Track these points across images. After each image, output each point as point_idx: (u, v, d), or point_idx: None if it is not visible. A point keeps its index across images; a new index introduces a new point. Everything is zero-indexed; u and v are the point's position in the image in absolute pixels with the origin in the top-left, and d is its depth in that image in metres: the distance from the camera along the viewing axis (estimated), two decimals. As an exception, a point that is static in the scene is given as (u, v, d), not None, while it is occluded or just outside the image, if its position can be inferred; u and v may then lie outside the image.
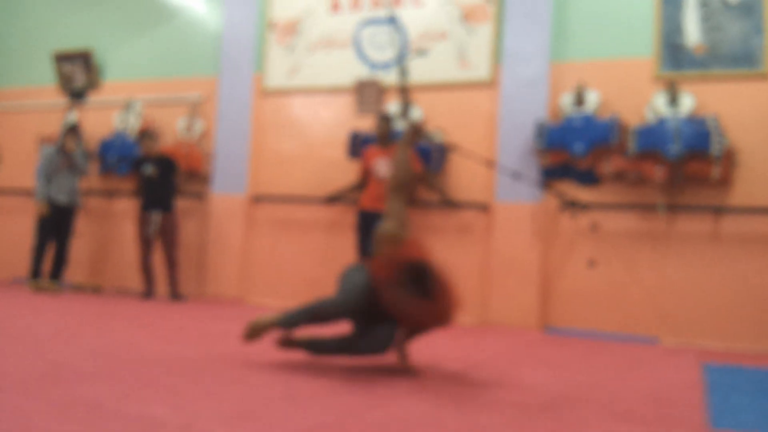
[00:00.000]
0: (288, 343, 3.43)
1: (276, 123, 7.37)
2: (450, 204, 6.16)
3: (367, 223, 6.21)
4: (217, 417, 2.20)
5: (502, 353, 4.28)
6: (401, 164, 3.65)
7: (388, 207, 3.57)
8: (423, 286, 3.04)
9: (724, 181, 5.53)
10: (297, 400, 2.56)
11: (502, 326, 5.95)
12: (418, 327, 3.36)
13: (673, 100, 5.68)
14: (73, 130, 7.40)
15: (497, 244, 6.15)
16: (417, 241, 3.54)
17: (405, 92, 3.83)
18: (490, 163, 4.06)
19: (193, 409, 2.28)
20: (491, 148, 6.13)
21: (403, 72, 3.81)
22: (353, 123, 6.89)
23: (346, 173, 6.69)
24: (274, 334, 3.47)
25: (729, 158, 5.50)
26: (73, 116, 8.28)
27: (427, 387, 2.97)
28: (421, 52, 3.80)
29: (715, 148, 5.41)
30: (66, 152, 7.29)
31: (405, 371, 3.33)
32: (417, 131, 3.73)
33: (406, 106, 6.44)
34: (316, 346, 3.43)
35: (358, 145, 6.66)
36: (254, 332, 3.42)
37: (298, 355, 3.66)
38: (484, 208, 6.21)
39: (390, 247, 3.33)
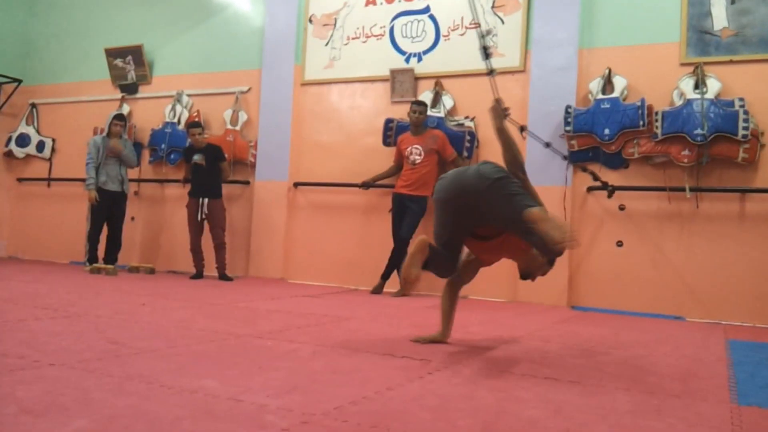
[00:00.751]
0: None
1: (315, 113, 7.39)
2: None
3: (401, 206, 6.23)
4: (266, 389, 2.22)
5: (533, 330, 4.26)
6: (510, 144, 3.29)
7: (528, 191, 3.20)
8: None
9: (751, 163, 5.40)
10: (339, 374, 2.58)
11: (531, 305, 5.91)
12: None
13: (700, 84, 5.55)
14: (117, 118, 7.51)
15: (527, 226, 6.09)
16: None
17: (490, 73, 3.57)
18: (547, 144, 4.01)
19: (242, 382, 2.31)
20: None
21: (486, 53, 3.53)
22: (389, 112, 6.88)
23: (383, 160, 6.68)
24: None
25: (755, 140, 5.37)
26: (126, 109, 8.40)
27: (462, 362, 2.96)
28: (489, 32, 3.63)
29: (741, 130, 5.29)
30: (112, 138, 7.40)
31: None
32: (505, 110, 3.43)
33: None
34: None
35: (392, 133, 6.65)
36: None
37: (337, 333, 3.68)
38: (514, 191, 6.16)
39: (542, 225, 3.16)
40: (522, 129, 3.67)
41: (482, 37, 3.48)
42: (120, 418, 1.81)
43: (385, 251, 6.35)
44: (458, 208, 3.23)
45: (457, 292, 3.53)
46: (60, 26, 9.26)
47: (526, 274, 3.36)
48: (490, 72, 3.51)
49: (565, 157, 4.22)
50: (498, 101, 3.43)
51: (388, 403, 2.15)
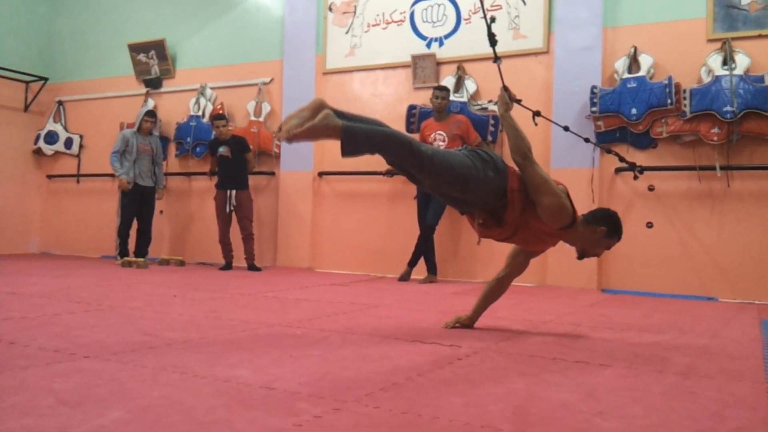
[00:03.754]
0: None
1: (338, 101, 7.34)
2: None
3: (426, 193, 6.20)
4: (297, 377, 2.24)
5: (562, 314, 4.23)
6: (514, 131, 3.21)
7: (535, 179, 3.10)
8: None
9: (782, 139, 5.30)
10: (370, 361, 2.59)
11: (560, 288, 5.88)
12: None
13: (728, 60, 5.45)
14: (149, 114, 7.58)
15: (555, 209, 6.05)
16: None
17: (496, 59, 3.58)
18: (565, 128, 3.96)
19: (274, 371, 2.33)
20: (547, 115, 5.99)
21: (493, 39, 3.53)
22: (411, 98, 6.86)
23: (406, 146, 6.66)
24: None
25: (787, 115, 5.26)
26: (151, 104, 8.48)
27: (492, 347, 2.96)
28: (494, 19, 3.62)
29: (772, 106, 5.19)
30: (144, 135, 7.50)
31: None
32: (507, 94, 3.40)
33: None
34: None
35: (415, 119, 6.63)
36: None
37: (366, 321, 3.70)
38: (540, 174, 6.12)
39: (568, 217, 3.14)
40: (536, 114, 3.62)
41: (489, 24, 3.47)
42: (155, 408, 1.83)
43: (411, 238, 6.35)
44: None
45: (502, 286, 3.53)
46: (83, 23, 9.35)
47: (582, 254, 3.33)
48: (496, 59, 3.53)
49: (586, 140, 4.17)
50: (504, 89, 3.41)
51: (419, 389, 2.16)
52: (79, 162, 9.18)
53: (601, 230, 3.21)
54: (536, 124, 3.62)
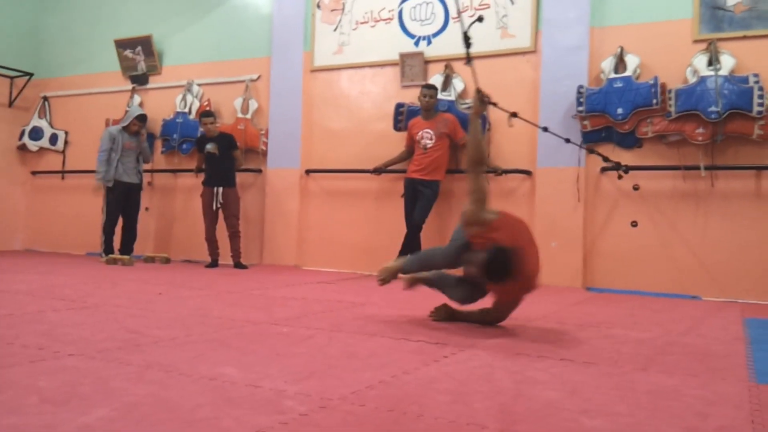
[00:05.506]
0: (412, 282, 3.84)
1: (326, 99, 7.38)
2: (492, 171, 6.07)
3: (413, 191, 6.21)
4: (284, 375, 2.23)
5: (548, 312, 4.25)
6: (474, 138, 3.34)
7: (469, 185, 3.30)
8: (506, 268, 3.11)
9: (766, 140, 5.34)
10: (356, 359, 2.59)
11: (545, 287, 5.89)
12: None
13: (714, 61, 5.49)
14: (139, 119, 7.49)
15: (541, 208, 6.08)
16: (505, 221, 3.34)
17: (469, 60, 3.60)
18: (543, 129, 3.97)
19: (260, 369, 2.33)
20: (534, 115, 6.02)
21: (467, 41, 3.57)
22: (399, 96, 6.86)
23: (394, 145, 6.66)
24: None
25: (771, 116, 5.31)
26: (137, 100, 8.42)
27: (478, 345, 2.97)
28: (480, 19, 3.66)
29: (756, 107, 5.23)
30: (130, 134, 7.43)
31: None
32: (483, 98, 3.44)
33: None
34: (431, 283, 3.80)
35: (403, 117, 6.63)
36: (385, 276, 3.71)
37: (353, 319, 3.70)
38: (527, 173, 6.14)
39: (477, 229, 3.25)
40: (512, 116, 3.64)
41: (468, 26, 3.53)
42: (140, 406, 1.83)
43: (398, 236, 6.35)
44: None
45: None
46: (69, 19, 9.27)
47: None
48: (468, 61, 3.56)
49: (566, 140, 4.18)
50: (478, 91, 3.45)
51: (405, 386, 2.16)
52: (64, 158, 9.11)
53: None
54: (511, 126, 3.62)
